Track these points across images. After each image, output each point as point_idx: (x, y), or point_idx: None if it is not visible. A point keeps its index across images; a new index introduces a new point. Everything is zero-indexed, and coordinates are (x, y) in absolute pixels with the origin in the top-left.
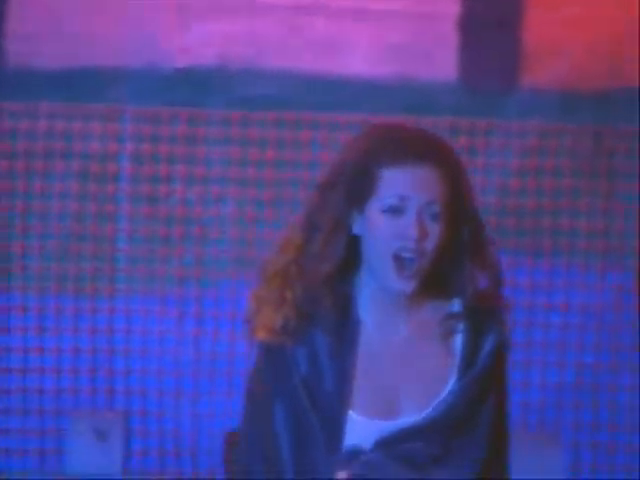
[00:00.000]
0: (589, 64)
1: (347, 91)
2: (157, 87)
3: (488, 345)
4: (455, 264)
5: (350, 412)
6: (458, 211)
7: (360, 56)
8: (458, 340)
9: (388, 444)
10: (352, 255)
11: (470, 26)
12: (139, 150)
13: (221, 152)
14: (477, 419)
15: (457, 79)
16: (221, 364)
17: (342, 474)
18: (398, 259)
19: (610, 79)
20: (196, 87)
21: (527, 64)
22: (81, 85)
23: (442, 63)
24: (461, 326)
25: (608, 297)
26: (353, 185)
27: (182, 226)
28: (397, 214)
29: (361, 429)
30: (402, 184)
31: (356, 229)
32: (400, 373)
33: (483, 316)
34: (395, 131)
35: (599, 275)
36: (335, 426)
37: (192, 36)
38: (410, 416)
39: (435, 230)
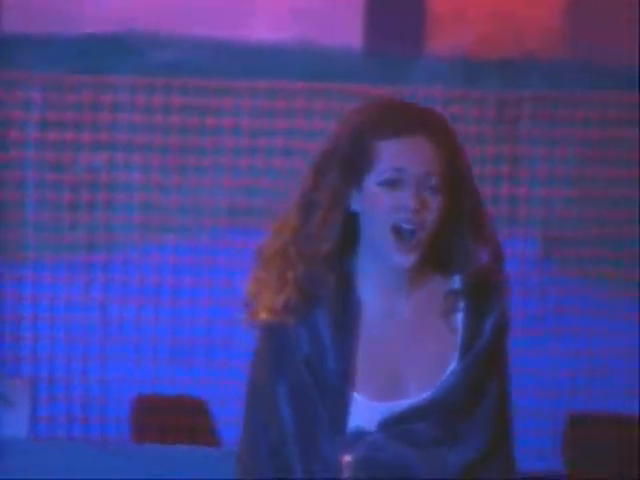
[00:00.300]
0: (493, 32)
1: (252, 57)
2: (64, 54)
3: (489, 323)
4: (455, 239)
5: (354, 394)
6: (456, 184)
7: (265, 22)
8: (459, 318)
9: (390, 426)
10: (351, 234)
11: None
12: (45, 117)
13: (127, 119)
14: (481, 399)
15: (362, 45)
16: (129, 329)
17: (347, 457)
18: (397, 231)
19: (514, 46)
20: (103, 53)
21: (432, 31)
22: None
23: (347, 29)
24: (462, 303)
25: (514, 265)
26: (349, 160)
27: (89, 192)
28: (395, 187)
29: (363, 411)
30: (398, 156)
31: (354, 206)
32: (401, 353)
33: (484, 293)
34: (388, 104)
35: (504, 242)
36: (339, 407)
37: (99, 2)
38: (412, 397)
39: (434, 202)
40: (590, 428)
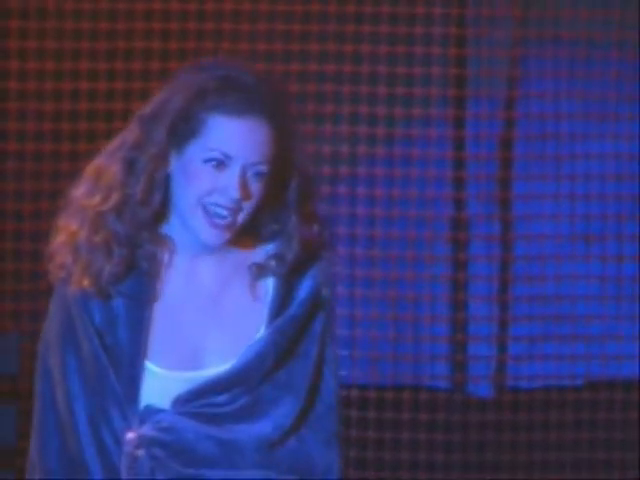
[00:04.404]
0: None
1: None
2: None
3: (303, 292)
4: (275, 213)
5: (148, 363)
6: (285, 165)
7: None
8: (270, 286)
9: (189, 398)
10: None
11: None
12: None
13: None
14: (292, 369)
15: None
16: None
17: (131, 434)
18: (209, 214)
19: None
20: None
21: None
22: None
23: None
24: (273, 272)
25: None
26: (176, 123)
27: None
28: (220, 168)
29: (161, 381)
30: (229, 138)
31: (170, 168)
32: (206, 322)
33: (299, 262)
34: (228, 72)
35: None
36: (131, 378)
37: None
38: (215, 367)
39: (257, 189)
40: None
